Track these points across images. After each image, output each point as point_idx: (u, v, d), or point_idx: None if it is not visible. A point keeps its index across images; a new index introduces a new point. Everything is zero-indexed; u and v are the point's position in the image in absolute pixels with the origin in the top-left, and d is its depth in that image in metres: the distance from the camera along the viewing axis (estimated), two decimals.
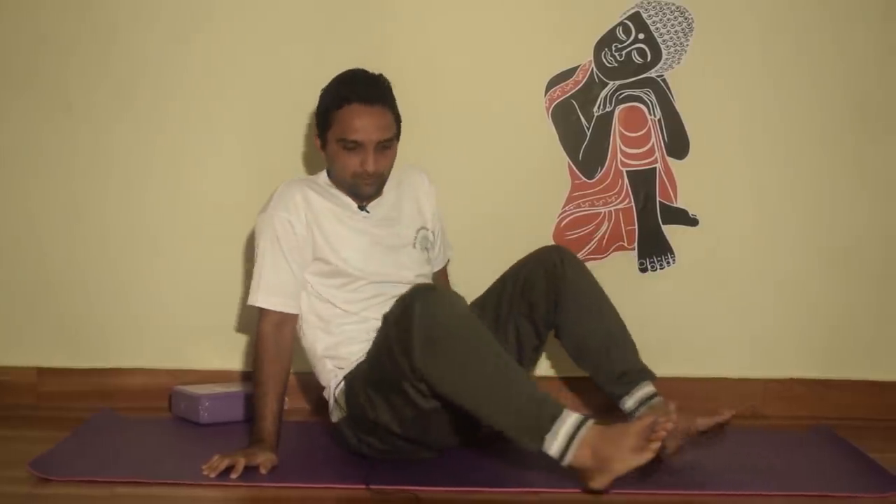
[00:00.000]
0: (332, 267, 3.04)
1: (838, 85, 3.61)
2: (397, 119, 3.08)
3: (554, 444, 2.67)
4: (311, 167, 3.54)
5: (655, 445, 2.63)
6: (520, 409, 2.69)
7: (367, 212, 3.11)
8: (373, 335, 2.97)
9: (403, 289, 2.92)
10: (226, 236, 3.57)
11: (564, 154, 3.59)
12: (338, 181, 3.10)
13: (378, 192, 3.11)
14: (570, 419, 2.67)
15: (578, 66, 3.58)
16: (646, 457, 2.63)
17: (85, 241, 3.57)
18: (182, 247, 3.58)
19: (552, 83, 3.58)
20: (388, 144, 3.03)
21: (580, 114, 3.59)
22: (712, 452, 3.09)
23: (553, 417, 2.67)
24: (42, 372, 3.57)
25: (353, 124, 2.99)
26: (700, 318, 3.64)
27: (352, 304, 3.06)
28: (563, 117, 3.59)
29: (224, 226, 3.57)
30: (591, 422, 2.68)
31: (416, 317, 2.72)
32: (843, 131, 3.63)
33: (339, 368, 3.04)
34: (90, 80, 3.54)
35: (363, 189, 3.05)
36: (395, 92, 3.06)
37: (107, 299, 3.58)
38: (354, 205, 3.10)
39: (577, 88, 3.59)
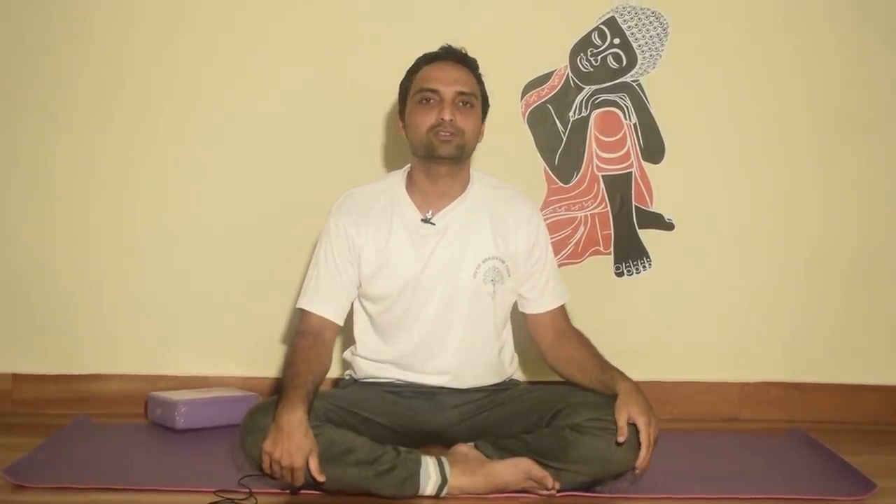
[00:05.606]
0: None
1: (812, 90, 3.63)
2: (482, 92, 2.96)
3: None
4: (294, 169, 3.54)
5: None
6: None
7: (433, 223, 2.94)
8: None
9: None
10: (203, 242, 3.56)
11: (540, 158, 3.60)
12: (415, 146, 2.91)
13: (459, 156, 2.89)
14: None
15: (554, 71, 3.59)
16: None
17: (60, 246, 3.55)
18: (158, 253, 3.57)
19: (528, 88, 3.59)
20: (469, 100, 2.89)
21: (556, 118, 3.60)
22: (689, 457, 3.10)
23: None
24: (17, 378, 3.55)
25: (429, 75, 2.90)
26: (676, 323, 3.65)
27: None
28: (539, 122, 3.60)
29: (201, 231, 3.56)
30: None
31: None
32: (816, 136, 3.64)
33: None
34: (68, 84, 3.52)
35: (440, 147, 2.86)
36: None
37: (83, 305, 3.56)
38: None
39: (552, 93, 3.59)
